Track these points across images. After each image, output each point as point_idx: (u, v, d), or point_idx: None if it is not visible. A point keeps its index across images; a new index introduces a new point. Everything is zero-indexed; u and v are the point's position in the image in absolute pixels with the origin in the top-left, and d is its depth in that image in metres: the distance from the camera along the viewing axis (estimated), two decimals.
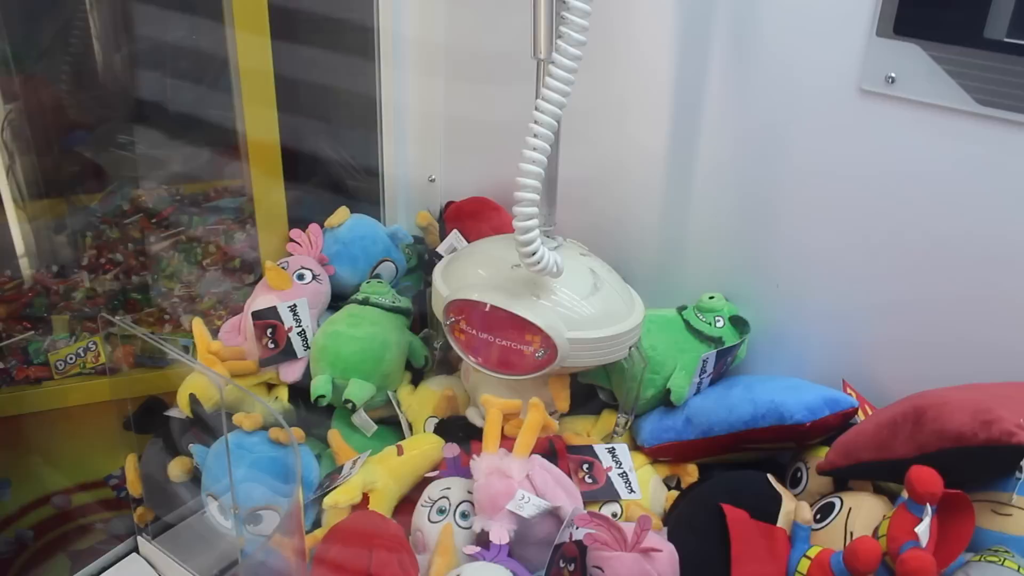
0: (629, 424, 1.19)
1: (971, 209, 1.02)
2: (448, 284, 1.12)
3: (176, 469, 1.15)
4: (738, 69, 1.15)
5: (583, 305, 1.08)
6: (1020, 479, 0.89)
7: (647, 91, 1.24)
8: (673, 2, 1.17)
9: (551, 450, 1.08)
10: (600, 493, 1.08)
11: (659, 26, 1.19)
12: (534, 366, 1.06)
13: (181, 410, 1.19)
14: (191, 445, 1.14)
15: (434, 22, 1.42)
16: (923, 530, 0.83)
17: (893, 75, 1.02)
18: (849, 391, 1.12)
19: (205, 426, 1.16)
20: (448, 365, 1.34)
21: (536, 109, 0.94)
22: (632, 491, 1.09)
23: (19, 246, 1.57)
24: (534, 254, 0.98)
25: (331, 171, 1.59)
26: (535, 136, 0.94)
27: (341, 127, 1.59)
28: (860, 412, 1.09)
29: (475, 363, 1.10)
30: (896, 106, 1.03)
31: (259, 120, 1.31)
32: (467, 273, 1.13)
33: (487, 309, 1.06)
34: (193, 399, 1.16)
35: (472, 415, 1.19)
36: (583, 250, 1.17)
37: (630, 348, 1.12)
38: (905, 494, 0.86)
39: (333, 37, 1.49)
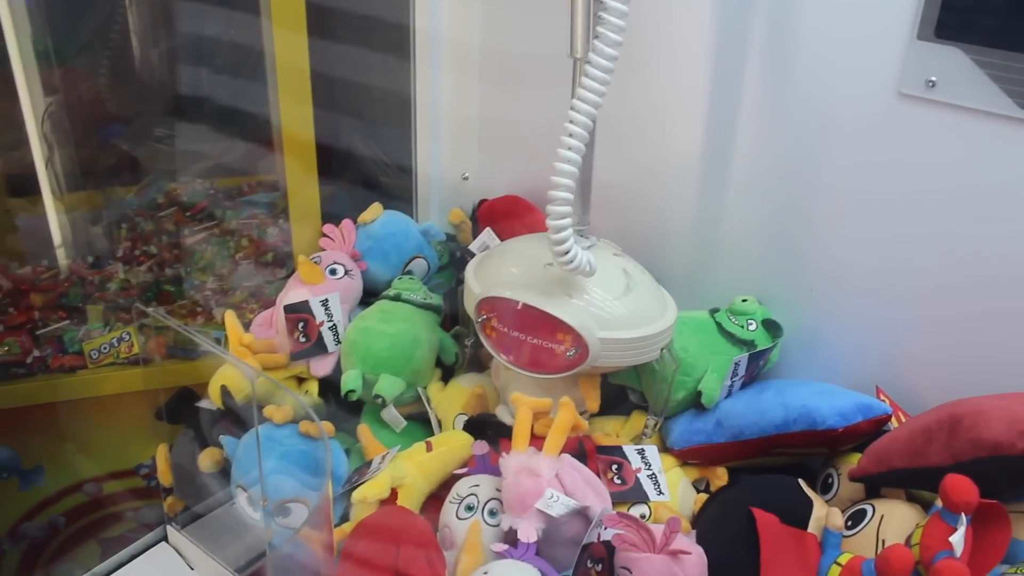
0: (659, 426, 1.18)
1: (1013, 218, 1.00)
2: (480, 282, 1.13)
3: (206, 460, 1.16)
4: (775, 73, 1.14)
5: (615, 305, 1.08)
6: None
7: (683, 95, 1.23)
8: (710, 6, 1.17)
9: (581, 450, 1.08)
10: (629, 494, 1.08)
11: (696, 29, 1.19)
12: (565, 365, 1.06)
13: (212, 401, 1.20)
14: (221, 436, 1.15)
15: (469, 22, 1.43)
16: (957, 540, 0.82)
17: (934, 79, 1.01)
18: (883, 397, 1.11)
19: (236, 418, 1.17)
20: (479, 363, 1.34)
21: (572, 108, 0.94)
22: (661, 493, 1.09)
23: (56, 237, 1.59)
24: (567, 253, 0.98)
25: (365, 167, 1.60)
26: (570, 135, 0.94)
27: (375, 124, 1.60)
28: (893, 419, 1.08)
29: (506, 361, 1.10)
30: (936, 111, 1.02)
31: (295, 115, 1.31)
32: (500, 271, 1.13)
33: (519, 307, 1.06)
34: (224, 391, 1.17)
35: (502, 413, 1.19)
36: (616, 250, 1.17)
37: (661, 350, 1.12)
38: (939, 503, 0.85)
39: (369, 35, 1.49)
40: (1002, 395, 0.97)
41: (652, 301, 1.12)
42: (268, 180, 1.78)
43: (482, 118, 1.49)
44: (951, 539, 0.82)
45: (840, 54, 1.08)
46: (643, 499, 1.08)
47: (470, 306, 1.13)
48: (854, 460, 1.05)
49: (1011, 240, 1.01)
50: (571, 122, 0.94)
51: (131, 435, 1.47)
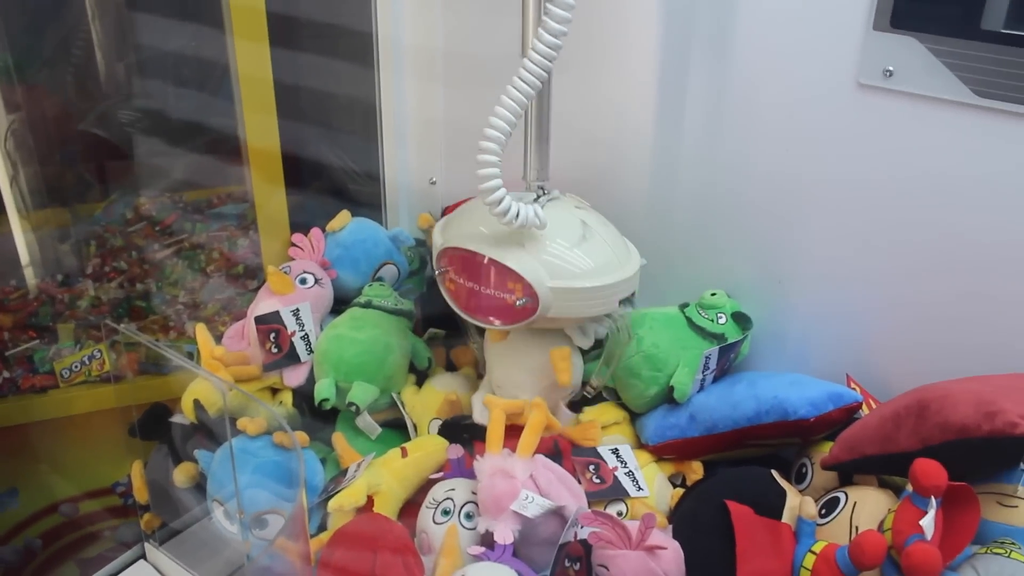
0: (601, 386, 1.19)
1: (972, 202, 1.02)
2: (444, 235, 1.13)
3: (181, 475, 1.15)
4: (736, 65, 1.15)
5: (569, 255, 1.07)
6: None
7: (639, 90, 1.24)
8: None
9: (555, 450, 1.08)
10: (609, 492, 1.08)
11: (649, 21, 1.20)
12: (517, 315, 1.06)
13: (185, 416, 1.19)
14: (196, 451, 1.14)
15: (431, 27, 1.43)
16: (928, 523, 0.83)
17: (891, 69, 1.02)
18: (853, 385, 1.12)
19: (209, 432, 1.17)
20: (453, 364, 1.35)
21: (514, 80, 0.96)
22: (640, 488, 1.09)
23: (24, 256, 1.57)
24: (501, 208, 0.98)
25: (332, 175, 1.60)
26: (502, 105, 0.97)
27: (341, 132, 1.60)
28: (864, 406, 1.09)
29: (464, 313, 1.11)
30: (894, 99, 1.03)
31: (260, 127, 1.31)
32: (463, 225, 1.13)
33: (469, 256, 1.06)
34: (197, 405, 1.16)
35: (479, 401, 1.20)
36: (580, 204, 1.16)
37: (616, 319, 1.11)
38: (910, 487, 0.86)
39: (332, 44, 1.49)
40: (968, 379, 0.98)
41: (610, 252, 1.11)
42: (237, 192, 1.78)
43: (447, 122, 1.49)
44: (922, 523, 0.83)
45: (799, 46, 1.09)
46: (624, 496, 1.08)
47: (435, 260, 1.14)
48: (826, 449, 1.05)
49: (972, 225, 1.03)
50: (511, 92, 0.96)
51: (105, 453, 1.46)
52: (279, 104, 1.31)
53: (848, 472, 1.03)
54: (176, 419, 1.22)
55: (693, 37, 1.17)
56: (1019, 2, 0.93)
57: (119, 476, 1.50)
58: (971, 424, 0.87)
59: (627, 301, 1.11)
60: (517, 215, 0.99)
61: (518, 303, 1.05)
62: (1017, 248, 1.00)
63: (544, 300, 1.04)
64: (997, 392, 0.89)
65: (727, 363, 1.19)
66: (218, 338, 1.28)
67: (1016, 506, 0.90)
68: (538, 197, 1.12)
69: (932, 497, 0.84)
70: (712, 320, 1.19)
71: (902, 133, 1.04)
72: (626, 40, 1.23)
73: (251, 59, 1.27)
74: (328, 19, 1.47)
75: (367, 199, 1.52)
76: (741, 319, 1.20)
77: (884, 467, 0.99)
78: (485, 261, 1.05)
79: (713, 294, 1.22)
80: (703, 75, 1.18)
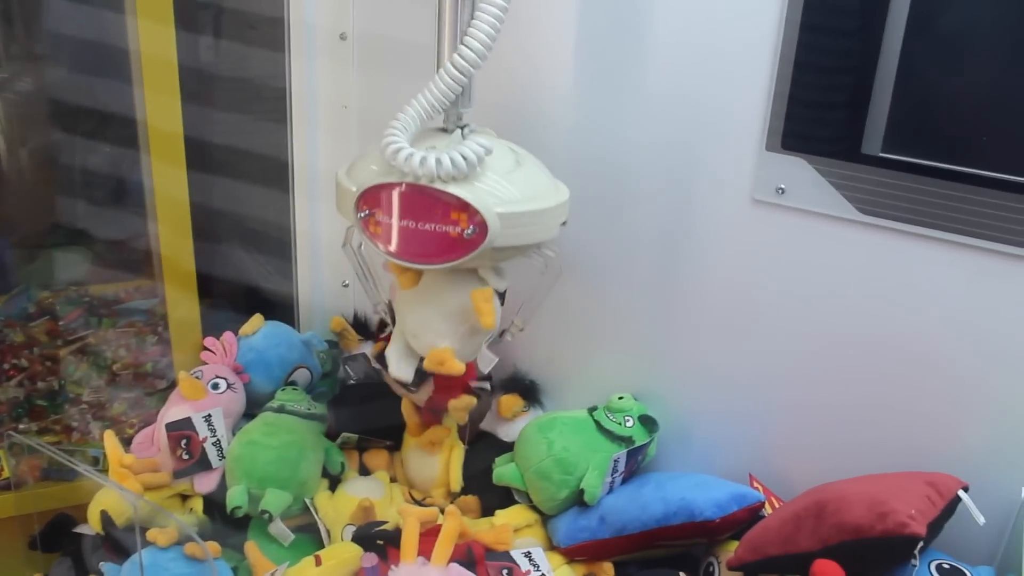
0: (523, 328, 1.19)
1: (859, 312, 1.08)
2: (358, 179, 1.04)
3: None
4: (642, 180, 1.20)
5: (507, 181, 1.02)
6: (915, 566, 0.93)
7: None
8: (574, 98, 1.23)
9: (469, 556, 1.09)
10: None
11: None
12: (463, 248, 0.99)
13: (92, 527, 1.17)
14: (102, 564, 1.12)
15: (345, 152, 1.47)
16: None
17: (783, 186, 1.09)
18: (756, 485, 1.16)
19: (117, 544, 1.14)
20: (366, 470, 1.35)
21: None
22: None
23: None
24: (419, 161, 0.95)
25: (246, 280, 1.60)
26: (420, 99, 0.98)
27: (256, 241, 1.61)
28: (767, 505, 1.13)
29: (394, 257, 1.03)
30: (786, 215, 1.10)
31: (176, 243, 1.33)
32: (375, 165, 1.04)
33: (404, 190, 0.98)
34: (105, 516, 1.14)
35: (392, 360, 1.17)
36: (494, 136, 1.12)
37: (547, 251, 1.10)
38: None
39: (248, 165, 1.51)
40: (862, 478, 1.03)
41: (544, 177, 1.08)
42: (145, 286, 1.76)
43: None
44: None
45: (698, 164, 1.15)
46: None
47: (347, 209, 1.05)
48: (732, 548, 1.08)
49: (860, 334, 1.09)
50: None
51: (1, 567, 1.40)
52: (195, 216, 1.32)
53: (753, 572, 1.06)
54: (81, 529, 1.19)
55: (592, 161, 1.22)
56: (894, 128, 1.01)
57: None
58: (865, 524, 0.92)
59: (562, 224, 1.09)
60: (438, 162, 0.95)
61: (466, 233, 0.97)
62: (900, 353, 1.06)
63: (492, 227, 0.97)
64: (888, 492, 0.94)
65: (635, 465, 1.22)
66: (125, 441, 1.26)
67: None
68: (462, 131, 1.07)
69: None
70: (620, 423, 1.22)
71: (794, 246, 1.10)
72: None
73: (168, 181, 1.30)
74: (244, 146, 1.50)
75: (280, 301, 1.53)
76: (648, 422, 1.24)
77: (787, 567, 1.02)
78: (423, 194, 0.97)
79: (621, 398, 1.25)
80: (610, 187, 1.23)
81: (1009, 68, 0.94)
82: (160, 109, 1.26)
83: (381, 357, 1.27)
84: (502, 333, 1.19)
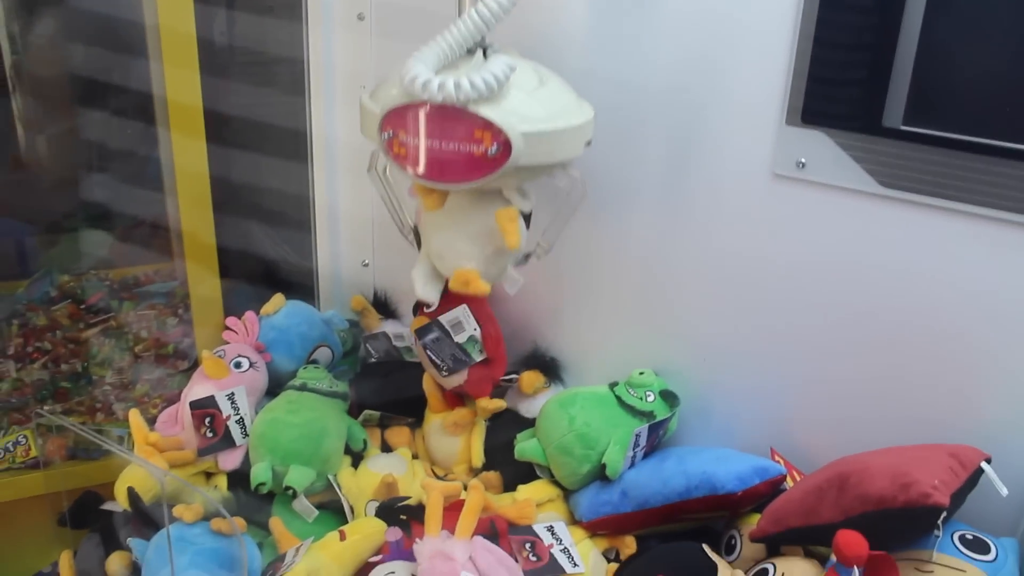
0: (549, 250, 1.19)
1: (880, 284, 1.08)
2: (382, 102, 1.03)
3: (115, 564, 1.14)
4: (661, 153, 1.20)
5: (531, 99, 1.02)
6: (939, 536, 0.93)
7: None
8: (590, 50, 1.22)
9: (492, 530, 1.10)
10: (545, 570, 1.09)
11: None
12: (487, 166, 0.98)
13: (119, 504, 1.18)
14: (130, 539, 1.13)
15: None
16: None
17: (803, 160, 1.09)
18: (777, 458, 1.17)
19: (144, 519, 1.16)
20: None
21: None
22: (576, 565, 1.11)
23: None
24: (437, 87, 0.94)
25: (266, 259, 1.61)
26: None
27: (277, 220, 1.61)
28: (788, 479, 1.13)
29: (418, 177, 1.03)
30: (807, 189, 1.09)
31: (196, 219, 1.33)
32: (396, 89, 1.02)
33: (428, 109, 0.98)
34: (131, 492, 1.15)
35: (418, 281, 1.18)
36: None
37: (572, 171, 1.10)
38: (834, 558, 0.90)
39: (268, 141, 1.52)
40: (884, 451, 1.03)
41: (568, 95, 1.07)
42: (164, 269, 1.77)
43: (378, 210, 1.51)
44: None
45: (719, 138, 1.15)
46: (560, 573, 1.10)
47: (371, 130, 1.05)
48: (754, 521, 1.09)
49: (881, 306, 1.08)
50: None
51: (31, 543, 1.42)
52: (215, 193, 1.33)
53: (775, 544, 1.07)
54: (108, 506, 1.20)
55: (612, 130, 1.22)
56: (915, 101, 1.00)
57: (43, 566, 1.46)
58: (888, 495, 0.92)
59: (587, 143, 1.08)
60: (444, 88, 0.94)
61: (490, 152, 0.97)
62: (920, 327, 1.06)
63: (516, 146, 0.97)
64: (911, 464, 0.94)
65: (656, 440, 1.23)
66: (149, 420, 1.27)
67: (932, 571, 0.94)
68: (484, 52, 1.04)
69: (855, 567, 0.88)
70: (641, 398, 1.23)
71: (815, 220, 1.10)
72: None
73: (188, 153, 1.30)
74: (264, 118, 1.50)
75: (301, 281, 1.54)
76: (669, 397, 1.24)
77: (809, 538, 1.03)
78: (446, 113, 0.97)
79: (641, 373, 1.26)
80: (630, 163, 1.23)
81: None
82: (180, 83, 1.27)
83: (422, 331, 1.29)
84: (527, 256, 1.18)
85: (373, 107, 1.03)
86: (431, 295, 1.16)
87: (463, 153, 0.98)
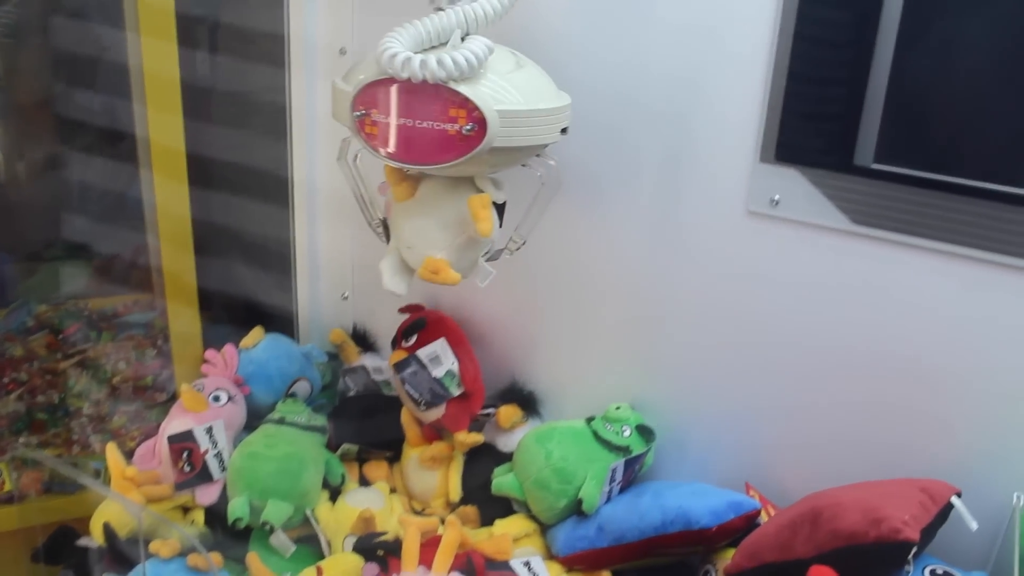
0: (522, 244, 1.18)
1: (852, 321, 1.09)
2: (354, 80, 1.02)
3: None
4: (639, 193, 1.21)
5: (507, 81, 1.00)
6: (909, 572, 0.94)
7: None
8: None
9: (469, 566, 1.10)
10: None
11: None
12: (462, 146, 0.97)
13: (94, 539, 1.17)
14: (105, 575, 1.13)
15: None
16: None
17: (777, 198, 1.10)
18: (752, 493, 1.17)
19: (120, 555, 1.15)
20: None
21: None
22: None
23: None
24: (419, 64, 0.93)
25: (245, 292, 1.61)
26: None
27: (256, 253, 1.62)
28: (763, 513, 1.14)
29: (390, 158, 1.01)
30: (781, 226, 1.11)
31: (177, 259, 1.35)
32: (370, 66, 1.01)
33: (401, 86, 0.96)
34: (107, 528, 1.15)
35: (386, 273, 1.16)
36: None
37: (547, 160, 1.09)
38: None
39: (250, 185, 1.53)
40: (857, 485, 1.04)
41: (545, 79, 1.07)
42: (144, 299, 1.77)
43: (357, 244, 1.52)
44: None
45: (695, 176, 1.16)
46: None
47: (343, 111, 1.03)
48: (730, 556, 1.09)
49: (853, 339, 1.10)
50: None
51: None
52: (196, 230, 1.33)
53: None
54: (84, 542, 1.20)
55: (589, 170, 1.24)
56: (886, 139, 1.02)
57: None
58: (860, 531, 0.93)
59: (563, 131, 1.07)
60: (439, 62, 0.93)
61: (464, 130, 0.95)
62: (893, 363, 1.08)
63: (492, 125, 0.95)
64: (882, 499, 0.96)
65: (633, 474, 1.23)
66: (127, 454, 1.27)
67: None
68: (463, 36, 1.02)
69: None
70: (618, 433, 1.23)
71: (789, 256, 1.12)
72: None
73: (170, 197, 1.31)
74: (248, 162, 1.51)
75: (279, 315, 1.54)
76: (645, 431, 1.24)
77: (783, 573, 1.03)
78: (420, 90, 0.95)
79: (618, 407, 1.26)
80: (607, 200, 1.24)
81: (997, 79, 0.96)
82: (162, 126, 1.28)
83: (399, 365, 1.29)
84: (500, 251, 1.17)
85: (345, 87, 1.02)
86: (399, 286, 1.15)
87: (437, 131, 0.97)
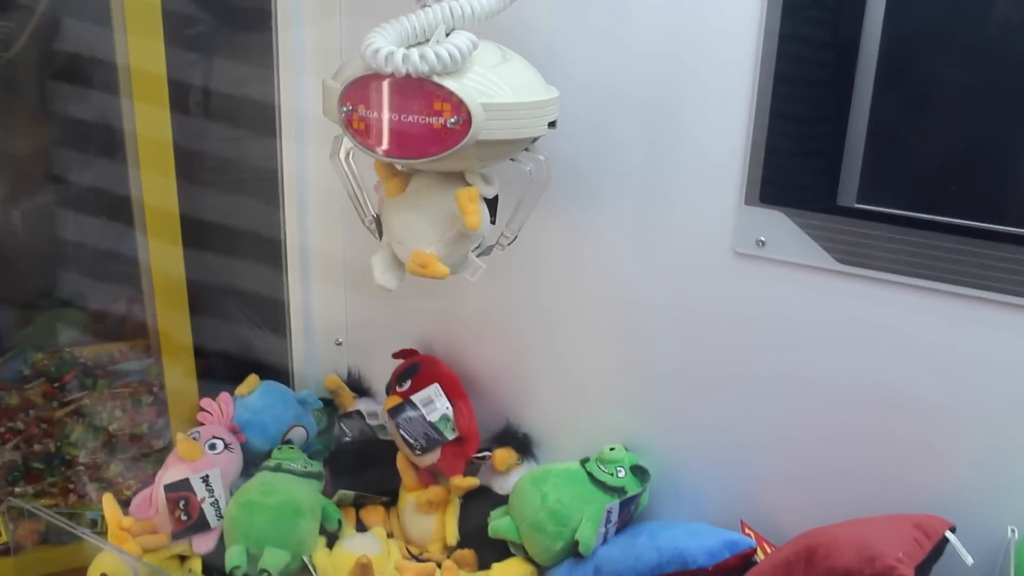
0: (513, 239, 1.18)
1: (841, 360, 1.11)
2: (341, 78, 1.03)
3: None
4: (627, 235, 1.23)
5: (493, 74, 1.01)
6: None
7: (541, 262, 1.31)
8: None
9: None
10: None
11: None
12: (448, 140, 0.97)
13: None
14: None
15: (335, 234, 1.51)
16: None
17: (763, 239, 1.12)
18: (748, 531, 1.18)
19: None
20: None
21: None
22: None
23: None
24: (402, 58, 0.94)
25: (240, 341, 1.62)
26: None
27: (250, 306, 1.63)
28: (759, 551, 1.14)
29: (377, 153, 1.01)
30: (768, 266, 1.13)
31: (172, 319, 1.37)
32: (356, 63, 1.02)
33: (387, 81, 0.97)
34: None
35: (377, 267, 1.16)
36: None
37: (538, 153, 1.09)
38: None
39: (243, 246, 1.54)
40: (851, 522, 1.04)
41: (532, 73, 1.07)
42: (140, 345, 1.77)
43: (352, 279, 1.53)
44: None
45: (682, 218, 1.18)
46: None
47: (332, 108, 1.04)
48: None
49: (842, 381, 1.12)
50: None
51: None
52: (191, 284, 1.35)
53: None
54: None
55: (577, 209, 1.25)
56: (867, 179, 1.04)
57: None
58: (855, 568, 0.93)
59: (552, 125, 1.07)
60: (422, 56, 0.94)
61: (449, 123, 0.96)
62: (883, 400, 1.09)
63: (477, 118, 0.96)
64: (877, 536, 0.96)
65: (628, 515, 1.24)
66: (123, 503, 1.27)
67: None
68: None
69: None
70: (612, 474, 1.23)
71: (776, 297, 1.13)
72: None
73: (164, 258, 1.34)
74: (242, 225, 1.53)
75: (274, 361, 1.55)
76: (640, 472, 1.25)
77: None
78: (405, 84, 0.96)
79: (612, 448, 1.26)
80: (596, 241, 1.26)
81: (975, 118, 0.98)
82: (156, 189, 1.30)
83: (394, 410, 1.29)
84: (492, 246, 1.17)
85: (334, 84, 1.03)
86: (390, 281, 1.15)
87: (423, 125, 0.97)
